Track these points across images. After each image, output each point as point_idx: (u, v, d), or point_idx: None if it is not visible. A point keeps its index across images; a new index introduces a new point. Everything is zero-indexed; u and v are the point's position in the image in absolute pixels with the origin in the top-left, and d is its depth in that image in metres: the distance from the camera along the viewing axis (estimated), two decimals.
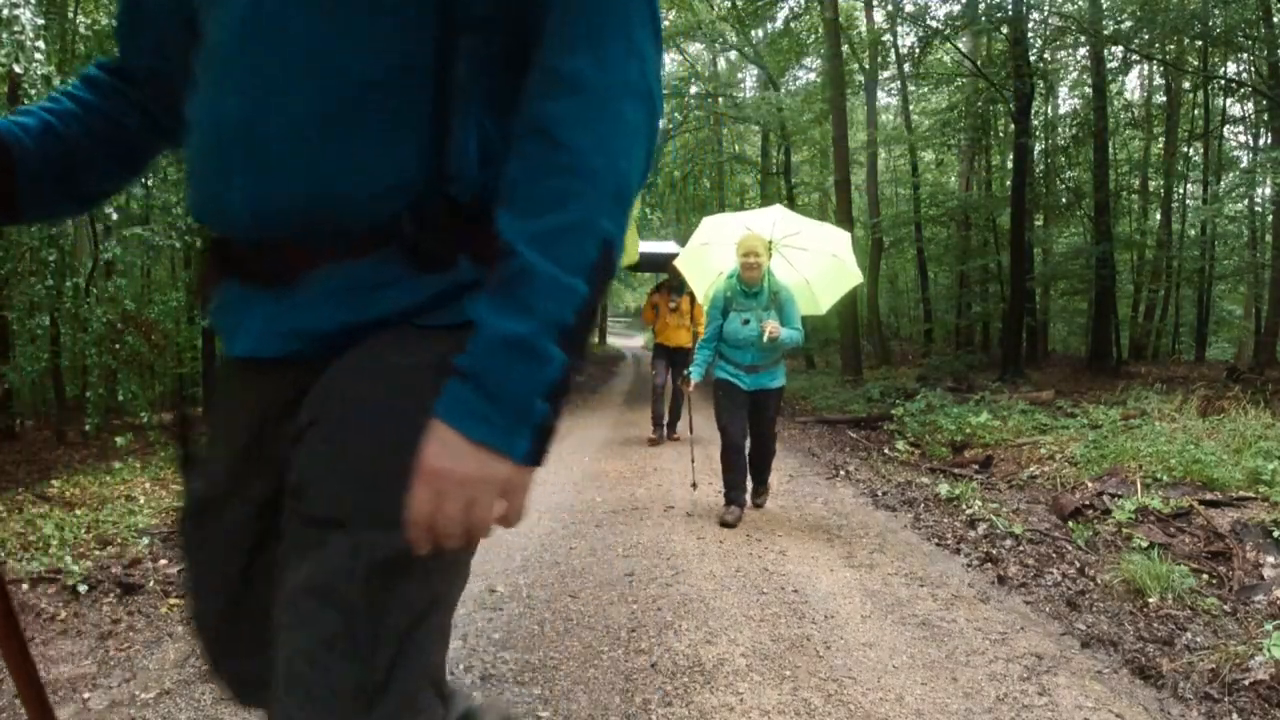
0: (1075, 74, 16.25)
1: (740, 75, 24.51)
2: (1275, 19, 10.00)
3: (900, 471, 5.54)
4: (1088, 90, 14.49)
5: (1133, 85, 18.20)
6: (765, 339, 3.84)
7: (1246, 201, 13.23)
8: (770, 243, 4.33)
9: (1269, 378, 8.54)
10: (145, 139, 0.93)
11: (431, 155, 0.70)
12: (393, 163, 0.70)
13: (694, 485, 4.69)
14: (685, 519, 4.16)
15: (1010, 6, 10.99)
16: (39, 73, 4.36)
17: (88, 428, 6.95)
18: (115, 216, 5.75)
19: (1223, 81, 13.43)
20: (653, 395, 7.12)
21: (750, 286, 4.02)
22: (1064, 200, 14.82)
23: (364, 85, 0.69)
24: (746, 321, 3.97)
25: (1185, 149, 15.01)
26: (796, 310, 4.09)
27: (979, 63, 13.39)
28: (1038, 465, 5.06)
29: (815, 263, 4.71)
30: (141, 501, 4.42)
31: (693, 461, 4.87)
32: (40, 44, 4.39)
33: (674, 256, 7.17)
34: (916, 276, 17.86)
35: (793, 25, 17.16)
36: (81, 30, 6.98)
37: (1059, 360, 14.83)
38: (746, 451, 4.14)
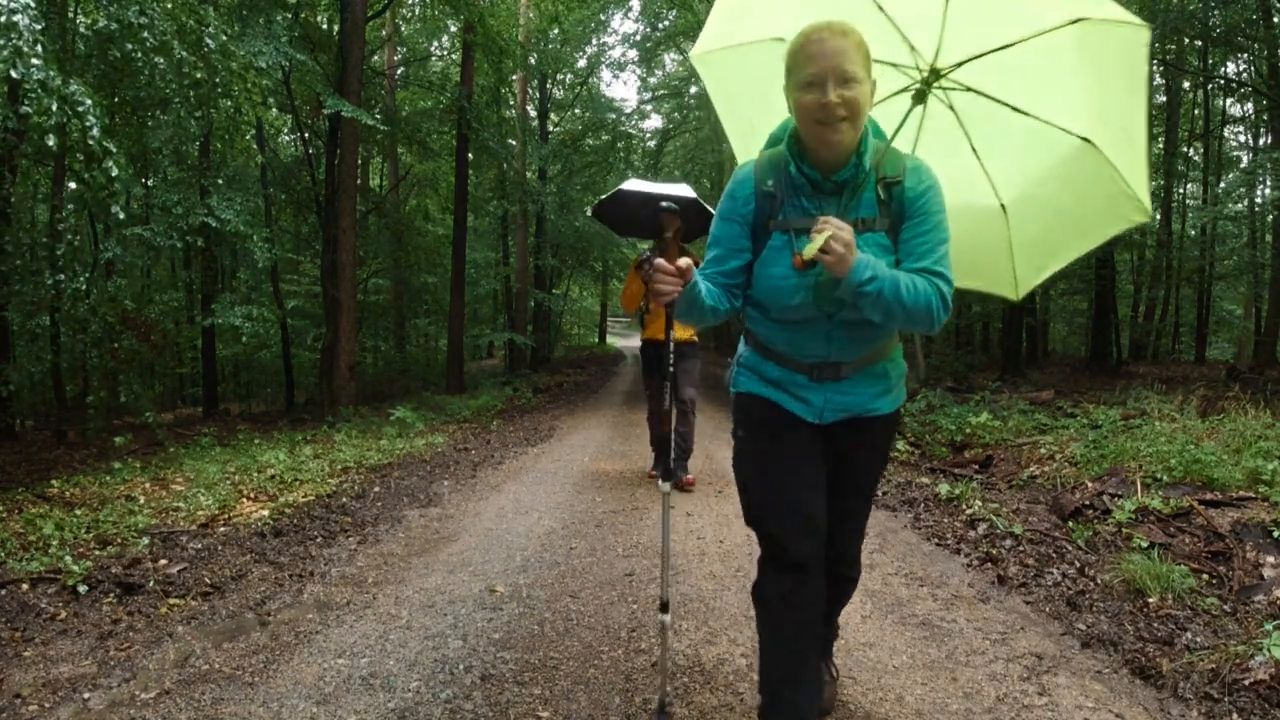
0: None
1: None
2: (1275, 19, 10.00)
3: (900, 471, 5.54)
4: None
5: None
6: (803, 258, 1.49)
7: (1246, 201, 13.23)
8: (926, 75, 1.83)
9: (1269, 378, 8.54)
10: None
11: None
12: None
13: (663, 620, 2.04)
14: (685, 518, 4.16)
15: None
16: (36, 77, 4.37)
17: (89, 429, 6.96)
18: (121, 216, 5.74)
19: (1223, 81, 13.43)
20: (650, 417, 5.26)
21: (828, 169, 1.61)
22: None
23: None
24: (809, 263, 1.50)
25: (1185, 149, 15.00)
26: (944, 229, 1.61)
27: None
28: (1038, 465, 5.06)
29: (1100, 99, 1.83)
30: (141, 501, 4.42)
31: (664, 567, 2.12)
32: (39, 48, 4.39)
33: (677, 210, 4.57)
34: None
35: None
36: (82, 30, 6.99)
37: (1059, 360, 14.83)
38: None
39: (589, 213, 4.92)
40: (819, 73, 1.47)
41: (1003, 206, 2.02)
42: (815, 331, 1.65)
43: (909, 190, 1.59)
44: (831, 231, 1.42)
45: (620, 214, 5.21)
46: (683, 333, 4.67)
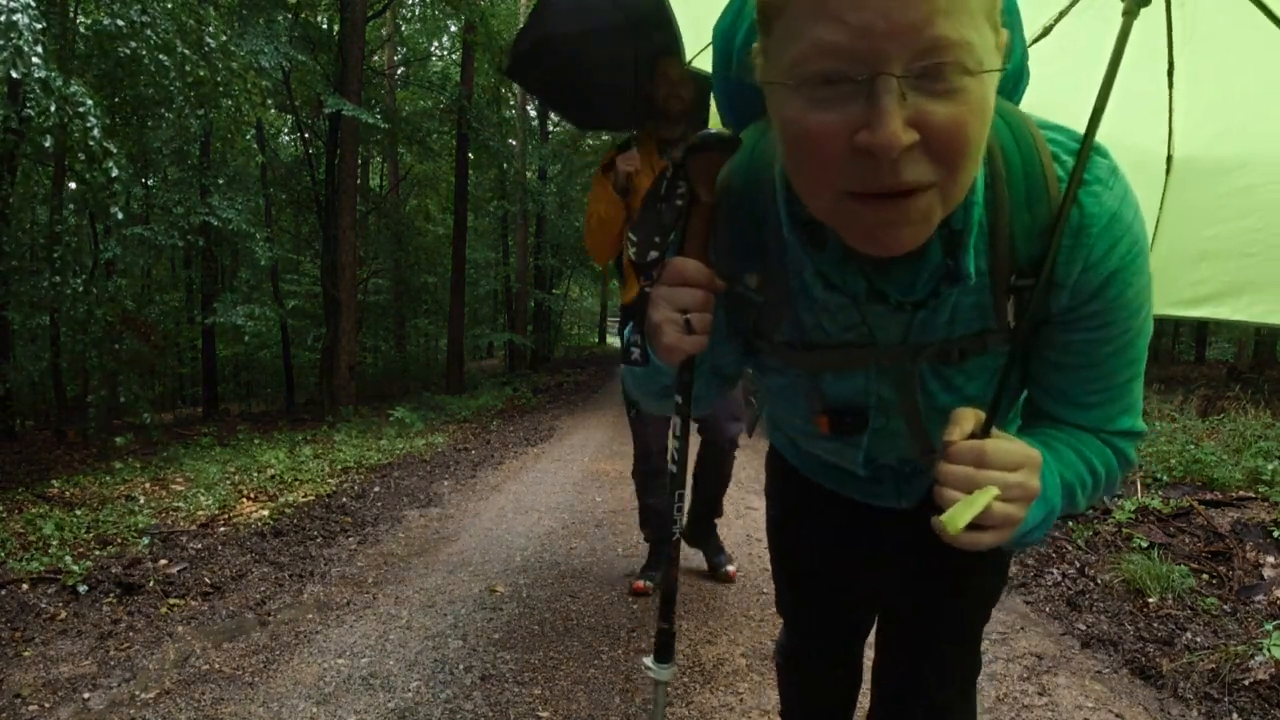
0: None
1: None
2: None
3: None
4: None
5: None
6: (944, 525, 0.62)
7: None
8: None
9: (1269, 377, 8.54)
10: None
11: None
12: None
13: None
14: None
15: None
16: (37, 76, 4.36)
17: (90, 429, 6.95)
18: (120, 216, 5.74)
19: None
20: (637, 462, 2.88)
21: (881, 269, 0.72)
22: None
23: None
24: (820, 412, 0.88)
25: None
26: (1143, 333, 0.76)
27: None
28: None
29: None
30: (141, 501, 4.42)
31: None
32: (39, 48, 4.39)
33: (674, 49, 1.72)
34: None
35: None
36: (82, 30, 6.99)
37: None
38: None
39: (504, 70, 2.54)
40: (855, 45, 0.54)
41: (1169, 159, 1.26)
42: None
43: (1082, 282, 0.72)
44: (996, 490, 0.64)
45: (557, 66, 2.53)
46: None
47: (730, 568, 3.07)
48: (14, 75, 4.30)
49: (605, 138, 14.65)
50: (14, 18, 4.24)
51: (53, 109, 4.48)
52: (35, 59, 4.34)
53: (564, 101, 2.85)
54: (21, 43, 4.26)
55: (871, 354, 0.81)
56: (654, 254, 0.80)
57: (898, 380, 0.82)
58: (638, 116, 2.58)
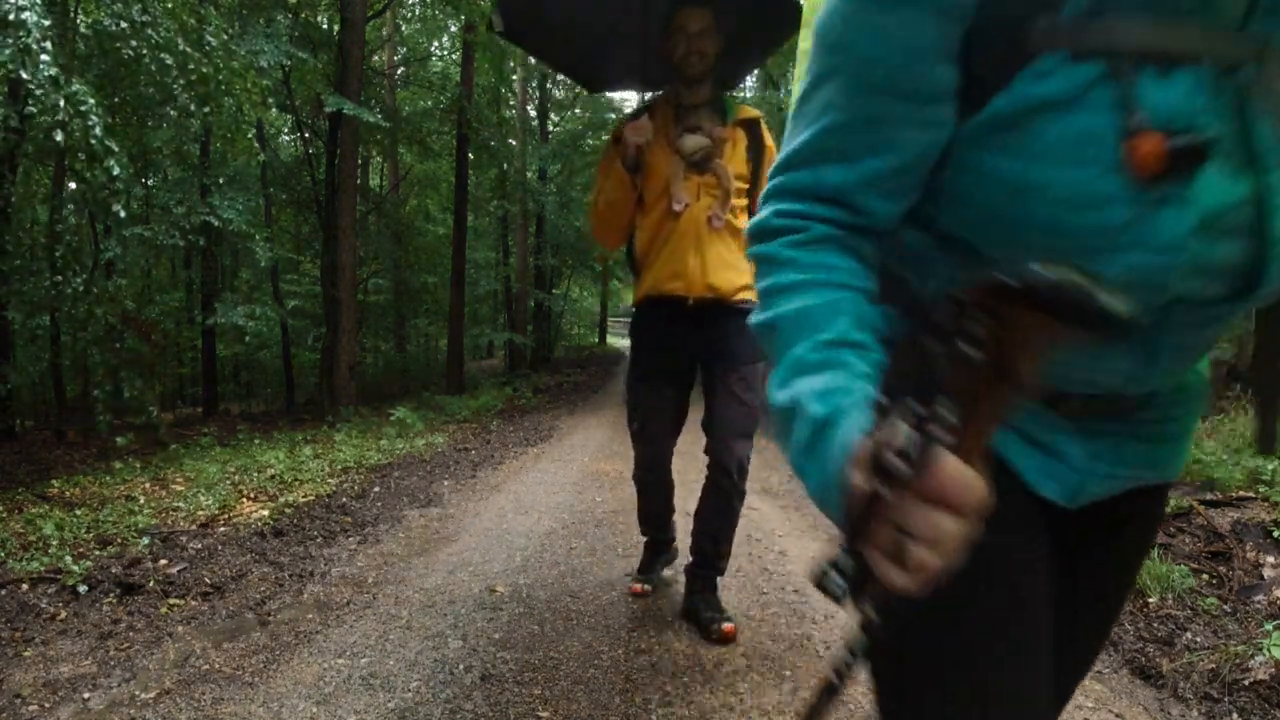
0: None
1: None
2: None
3: None
4: None
5: None
6: None
7: None
8: None
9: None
10: None
11: None
12: None
13: None
14: (685, 518, 4.15)
15: None
16: (45, 74, 4.36)
17: (99, 424, 6.91)
18: (123, 215, 5.71)
19: None
20: (638, 468, 2.81)
21: None
22: None
23: None
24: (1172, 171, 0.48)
25: None
26: None
27: None
28: None
29: None
30: (141, 501, 4.42)
31: None
32: (47, 45, 4.38)
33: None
34: None
35: None
36: (82, 30, 6.99)
37: None
38: None
39: (498, 28, 2.26)
40: None
41: None
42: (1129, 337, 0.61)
43: None
44: None
45: (556, 23, 2.29)
46: (734, 278, 2.23)
47: (727, 625, 2.45)
48: (24, 75, 4.29)
49: (606, 137, 14.84)
50: (22, 15, 4.23)
51: (62, 103, 4.46)
52: (44, 56, 4.32)
53: (569, 63, 2.49)
54: (30, 40, 4.25)
55: (1204, 33, 0.54)
56: (905, 432, 0.44)
57: (1231, 94, 0.55)
58: (652, 80, 2.27)
